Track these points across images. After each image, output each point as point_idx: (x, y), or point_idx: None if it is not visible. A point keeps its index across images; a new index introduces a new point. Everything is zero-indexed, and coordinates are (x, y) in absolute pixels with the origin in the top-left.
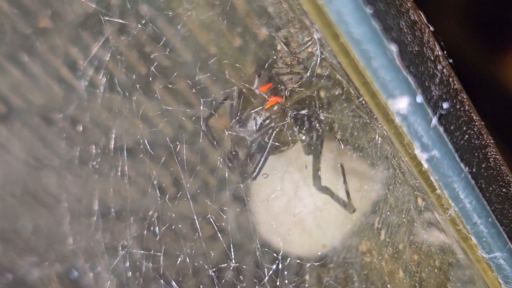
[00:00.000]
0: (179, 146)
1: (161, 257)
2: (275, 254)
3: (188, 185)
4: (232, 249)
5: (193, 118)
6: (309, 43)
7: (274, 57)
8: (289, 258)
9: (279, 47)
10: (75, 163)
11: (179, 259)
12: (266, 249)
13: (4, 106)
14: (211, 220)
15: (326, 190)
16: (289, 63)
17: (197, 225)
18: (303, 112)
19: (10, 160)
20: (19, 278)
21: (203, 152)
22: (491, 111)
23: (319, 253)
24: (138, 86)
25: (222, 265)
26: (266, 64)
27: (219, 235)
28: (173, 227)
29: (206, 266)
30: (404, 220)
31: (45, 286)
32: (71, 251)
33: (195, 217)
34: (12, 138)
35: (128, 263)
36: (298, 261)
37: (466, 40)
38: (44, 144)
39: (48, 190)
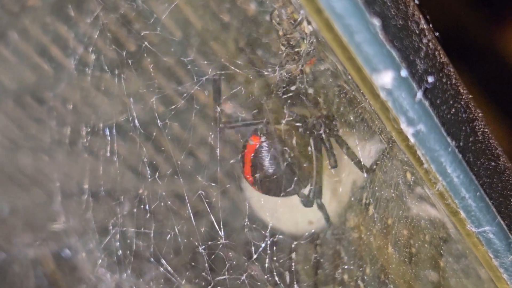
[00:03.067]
0: (169, 123)
1: (152, 235)
2: (263, 232)
3: (179, 162)
4: (222, 226)
5: (184, 95)
6: (300, 18)
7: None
8: (277, 235)
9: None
10: (65, 142)
11: (169, 236)
12: (254, 226)
13: None
14: (201, 196)
15: None
16: (284, 42)
17: (187, 202)
18: (292, 88)
19: None
20: (12, 257)
21: (195, 129)
22: (481, 83)
23: (307, 231)
24: (127, 63)
25: (212, 242)
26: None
27: (209, 211)
28: (162, 204)
29: (196, 243)
30: (393, 195)
31: (37, 265)
32: (62, 230)
33: (186, 194)
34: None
35: (118, 242)
36: (284, 238)
37: (454, 11)
38: (34, 123)
39: (39, 169)
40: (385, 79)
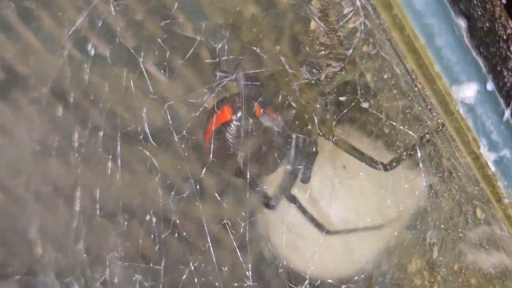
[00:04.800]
0: (188, 133)
1: (162, 272)
2: (302, 274)
3: (199, 181)
4: (250, 265)
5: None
6: (351, 14)
7: (308, 37)
8: (319, 280)
9: (312, 25)
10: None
11: (184, 275)
12: (291, 266)
13: None
14: (227, 227)
15: None
16: (328, 43)
17: (207, 232)
18: (342, 99)
19: None
20: None
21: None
22: None
23: (358, 272)
24: (140, 60)
25: (237, 285)
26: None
27: (235, 246)
28: (176, 234)
29: (217, 284)
30: (460, 234)
31: None
32: (41, 263)
33: (205, 223)
34: None
35: (117, 280)
36: (329, 281)
37: None
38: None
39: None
40: (467, 92)
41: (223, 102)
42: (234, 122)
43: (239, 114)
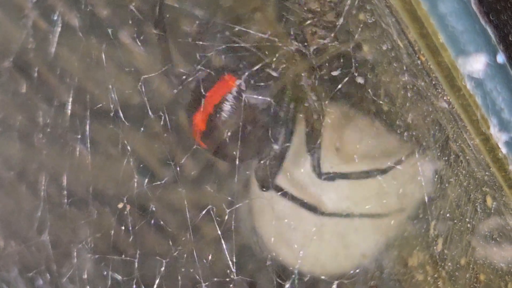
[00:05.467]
0: (166, 112)
1: (136, 265)
2: (291, 268)
3: (179, 164)
4: (234, 257)
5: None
6: None
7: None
8: (310, 275)
9: None
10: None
11: (162, 268)
12: (280, 259)
13: None
14: (210, 213)
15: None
16: (317, 9)
17: (189, 220)
18: (335, 73)
19: None
20: None
21: None
22: None
23: (354, 266)
24: (110, 30)
25: (220, 279)
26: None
27: (220, 235)
28: (152, 221)
29: (198, 278)
30: (468, 225)
31: None
32: (1, 257)
33: (187, 209)
34: None
35: (86, 274)
36: (322, 277)
37: None
38: None
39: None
40: (475, 65)
41: (219, 71)
42: (237, 91)
43: (241, 81)
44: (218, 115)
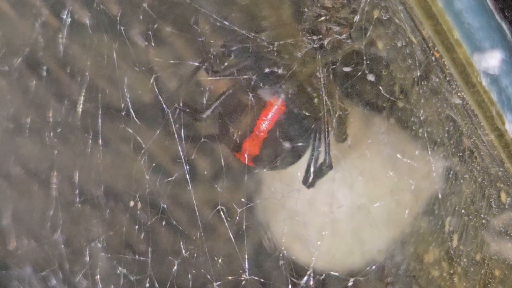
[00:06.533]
0: (178, 110)
1: (149, 264)
2: (305, 266)
3: (190, 163)
4: (246, 256)
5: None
6: None
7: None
8: (324, 273)
9: None
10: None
11: (174, 267)
12: (294, 257)
13: None
14: (222, 213)
15: None
16: (330, 5)
17: (199, 220)
18: (347, 70)
19: None
20: None
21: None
22: None
23: (368, 265)
24: (123, 28)
25: (232, 277)
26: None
27: (230, 235)
28: (164, 221)
29: (210, 278)
30: (483, 221)
31: None
32: (15, 255)
33: (197, 209)
34: None
35: (99, 274)
36: (336, 274)
37: None
38: None
39: None
40: (490, 61)
41: (265, 93)
42: (286, 113)
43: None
44: (273, 139)
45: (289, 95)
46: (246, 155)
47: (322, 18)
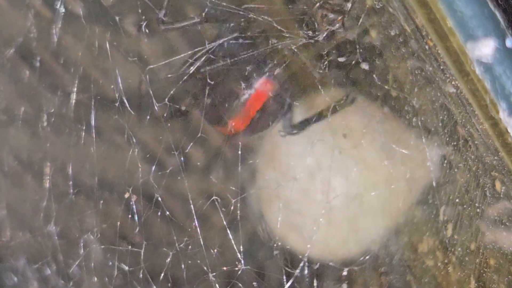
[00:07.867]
0: (172, 101)
1: (142, 255)
2: (300, 256)
3: (183, 154)
4: (241, 247)
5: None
6: None
7: None
8: (319, 262)
9: None
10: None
11: (168, 258)
12: (288, 247)
13: None
14: (216, 203)
15: None
16: None
17: (194, 211)
18: (341, 60)
19: None
20: None
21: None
22: None
23: (362, 254)
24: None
25: (228, 268)
26: None
27: (225, 225)
28: (159, 213)
29: (205, 269)
30: (478, 210)
31: None
32: (8, 247)
33: (191, 200)
34: None
35: (93, 264)
36: (331, 263)
37: None
38: None
39: None
40: (483, 49)
41: (254, 76)
42: (276, 94)
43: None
44: (260, 119)
45: (281, 84)
46: (231, 131)
47: (317, 4)
